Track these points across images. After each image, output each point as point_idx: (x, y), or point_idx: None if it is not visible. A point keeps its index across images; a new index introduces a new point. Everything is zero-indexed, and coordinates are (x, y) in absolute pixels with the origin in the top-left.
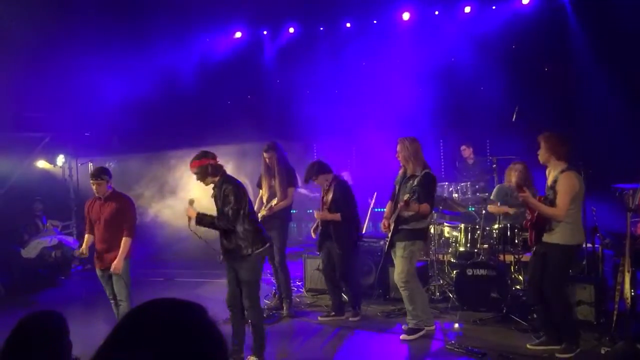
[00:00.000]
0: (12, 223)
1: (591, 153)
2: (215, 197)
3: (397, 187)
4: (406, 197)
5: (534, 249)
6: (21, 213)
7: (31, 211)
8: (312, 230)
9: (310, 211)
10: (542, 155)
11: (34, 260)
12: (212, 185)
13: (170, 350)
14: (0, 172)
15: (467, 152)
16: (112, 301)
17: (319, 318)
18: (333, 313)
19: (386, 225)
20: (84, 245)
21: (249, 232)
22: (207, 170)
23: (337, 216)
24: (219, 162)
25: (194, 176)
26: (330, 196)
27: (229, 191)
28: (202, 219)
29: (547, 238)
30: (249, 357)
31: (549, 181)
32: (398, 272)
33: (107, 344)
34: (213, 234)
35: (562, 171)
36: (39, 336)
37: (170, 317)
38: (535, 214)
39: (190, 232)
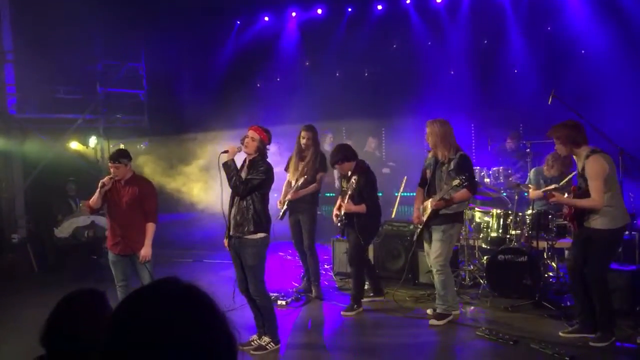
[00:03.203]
0: (46, 203)
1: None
2: (242, 167)
3: (428, 172)
4: (456, 181)
5: (576, 233)
6: (55, 193)
7: (65, 192)
8: (333, 215)
9: (329, 195)
10: (560, 149)
11: (67, 239)
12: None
13: (168, 332)
14: (34, 153)
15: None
16: (119, 287)
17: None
18: (372, 294)
19: (418, 217)
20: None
21: (263, 214)
22: (259, 144)
23: (362, 208)
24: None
25: (245, 138)
26: (353, 185)
27: (263, 169)
28: (230, 165)
29: (588, 224)
30: (262, 337)
31: (579, 168)
32: (435, 256)
33: (107, 328)
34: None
35: (587, 156)
36: (83, 314)
37: (168, 299)
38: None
39: (217, 161)
